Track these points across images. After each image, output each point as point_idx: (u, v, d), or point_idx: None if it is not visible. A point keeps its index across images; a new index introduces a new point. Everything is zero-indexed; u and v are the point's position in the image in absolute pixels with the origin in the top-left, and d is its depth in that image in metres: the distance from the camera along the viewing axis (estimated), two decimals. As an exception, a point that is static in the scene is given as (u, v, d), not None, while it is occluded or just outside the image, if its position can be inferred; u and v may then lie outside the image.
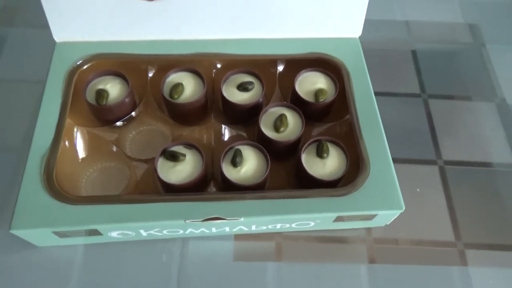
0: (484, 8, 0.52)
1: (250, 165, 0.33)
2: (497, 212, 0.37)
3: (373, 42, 0.48)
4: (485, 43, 0.49)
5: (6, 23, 0.48)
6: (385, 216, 0.33)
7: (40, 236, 0.31)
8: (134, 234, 0.32)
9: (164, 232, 0.32)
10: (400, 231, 0.36)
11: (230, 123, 0.38)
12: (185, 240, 0.34)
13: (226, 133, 0.38)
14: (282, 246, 0.35)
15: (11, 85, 0.43)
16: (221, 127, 0.38)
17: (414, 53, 0.48)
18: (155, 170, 0.32)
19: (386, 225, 0.36)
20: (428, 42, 0.49)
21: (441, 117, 0.42)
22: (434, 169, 0.39)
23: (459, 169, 0.39)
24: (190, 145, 0.34)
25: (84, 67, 0.37)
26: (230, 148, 0.34)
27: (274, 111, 0.36)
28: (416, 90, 0.44)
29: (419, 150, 0.40)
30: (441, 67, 0.47)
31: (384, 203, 0.32)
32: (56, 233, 0.30)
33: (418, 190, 0.38)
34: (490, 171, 0.40)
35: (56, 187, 0.30)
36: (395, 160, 0.39)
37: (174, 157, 0.33)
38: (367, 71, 0.39)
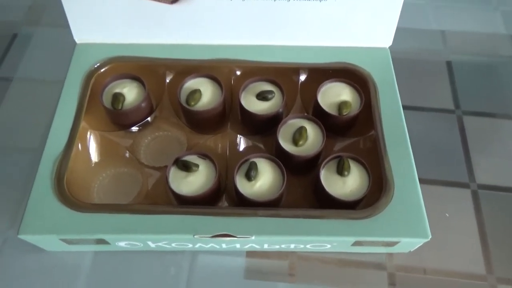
0: (530, 18, 0.48)
1: (265, 179, 0.32)
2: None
3: (405, 52, 0.45)
4: (529, 57, 0.45)
5: (33, 22, 0.48)
6: (409, 243, 0.31)
7: (48, 242, 0.30)
8: (142, 245, 0.31)
9: (173, 244, 0.31)
10: (425, 259, 0.33)
11: (247, 133, 0.37)
12: (194, 253, 0.33)
13: (243, 144, 0.36)
14: (296, 266, 0.33)
15: (34, 84, 0.43)
16: (238, 137, 0.36)
17: (449, 65, 0.44)
18: (166, 180, 0.31)
19: (410, 251, 0.33)
20: (465, 54, 0.45)
21: (476, 136, 0.39)
22: (466, 193, 0.36)
23: (494, 195, 0.36)
24: (204, 155, 0.33)
25: (102, 70, 0.36)
26: (245, 161, 0.32)
27: (294, 123, 0.35)
28: (450, 105, 0.41)
29: (451, 171, 0.37)
30: (479, 81, 0.43)
31: (408, 230, 0.29)
32: (63, 240, 0.29)
33: (447, 215, 0.35)
34: (529, 198, 0.36)
35: (66, 193, 0.30)
36: (423, 181, 0.36)
37: (186, 167, 0.32)
38: (396, 84, 0.36)
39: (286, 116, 0.37)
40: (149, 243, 0.30)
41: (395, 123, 0.34)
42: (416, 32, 0.47)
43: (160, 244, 0.31)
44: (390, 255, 0.33)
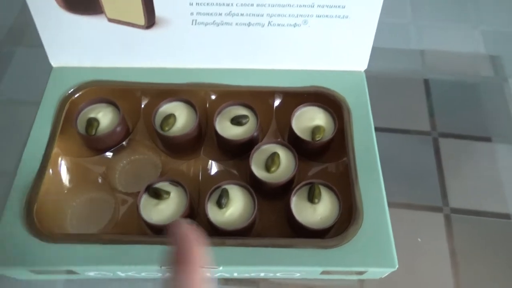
0: (509, 38, 0.48)
1: (236, 207, 0.32)
2: (507, 272, 0.34)
3: (383, 72, 0.45)
4: (507, 77, 0.45)
5: (14, 41, 0.48)
6: (377, 272, 0.31)
7: (17, 272, 0.30)
8: (111, 274, 0.31)
9: (142, 274, 0.31)
10: (395, 285, 0.33)
11: (223, 158, 0.37)
12: (167, 281, 0.33)
13: (216, 169, 0.36)
14: (268, 292, 0.33)
15: (14, 104, 0.43)
16: (210, 162, 0.36)
17: (427, 85, 0.44)
18: (137, 208, 0.31)
19: (381, 278, 0.33)
20: (444, 73, 0.46)
21: (451, 159, 0.39)
22: (439, 217, 0.36)
23: (466, 219, 0.36)
24: (176, 182, 0.33)
25: (76, 95, 0.36)
26: (217, 187, 0.33)
27: (267, 148, 0.35)
28: (426, 126, 0.41)
29: (424, 194, 0.37)
30: (456, 102, 0.43)
31: (375, 260, 0.29)
32: (32, 271, 0.30)
33: (419, 240, 0.35)
34: (504, 223, 0.36)
35: (35, 224, 0.30)
36: (396, 205, 0.36)
37: (157, 195, 0.32)
38: (370, 109, 0.36)
39: (262, 139, 0.37)
40: (119, 272, 0.30)
41: (367, 150, 0.34)
42: (395, 51, 0.47)
43: (129, 273, 0.31)
44: (362, 281, 0.33)
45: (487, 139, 0.41)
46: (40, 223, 0.30)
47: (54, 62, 0.38)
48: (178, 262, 0.20)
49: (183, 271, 0.20)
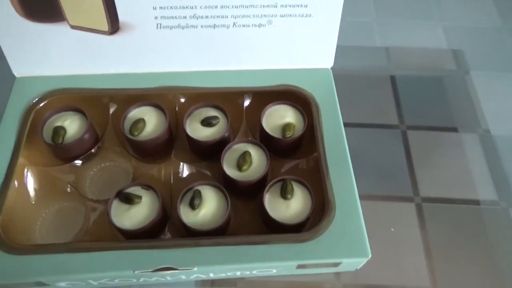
0: (469, 33, 0.50)
1: (209, 207, 0.32)
2: (479, 256, 0.35)
3: (350, 69, 0.46)
4: (469, 70, 0.47)
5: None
6: (352, 263, 0.31)
7: (-17, 287, 0.29)
8: (83, 283, 0.30)
9: (116, 281, 0.30)
10: (371, 276, 0.33)
11: (194, 160, 0.37)
12: (142, 286, 0.33)
13: (188, 171, 0.36)
14: (246, 292, 0.33)
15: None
16: (182, 165, 0.36)
17: (393, 81, 0.46)
18: (108, 214, 0.31)
19: (356, 269, 0.33)
20: (409, 69, 0.47)
21: (419, 150, 0.40)
22: (411, 207, 0.37)
23: (438, 207, 0.37)
24: (148, 186, 0.32)
25: (41, 104, 0.36)
26: (189, 189, 0.32)
27: (238, 147, 0.35)
28: (395, 121, 0.42)
29: (395, 186, 0.38)
30: (422, 95, 0.45)
31: (349, 250, 0.30)
32: (0, 285, 0.29)
33: (392, 230, 0.36)
34: (472, 209, 0.37)
35: (1, 236, 0.29)
36: (368, 197, 0.37)
37: (128, 200, 0.31)
38: (338, 105, 0.37)
39: (234, 139, 0.37)
40: (91, 281, 0.30)
41: (336, 144, 0.35)
42: (361, 49, 0.48)
43: (102, 281, 0.30)
44: (338, 274, 0.34)
45: (454, 130, 0.42)
46: (6, 236, 0.29)
47: (17, 72, 0.38)
48: None
49: None
